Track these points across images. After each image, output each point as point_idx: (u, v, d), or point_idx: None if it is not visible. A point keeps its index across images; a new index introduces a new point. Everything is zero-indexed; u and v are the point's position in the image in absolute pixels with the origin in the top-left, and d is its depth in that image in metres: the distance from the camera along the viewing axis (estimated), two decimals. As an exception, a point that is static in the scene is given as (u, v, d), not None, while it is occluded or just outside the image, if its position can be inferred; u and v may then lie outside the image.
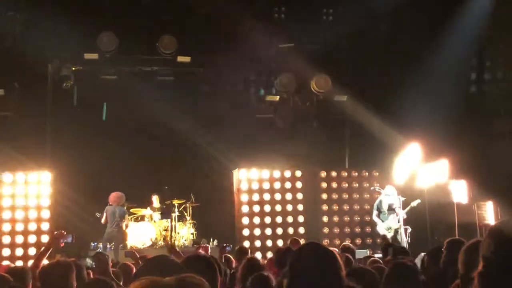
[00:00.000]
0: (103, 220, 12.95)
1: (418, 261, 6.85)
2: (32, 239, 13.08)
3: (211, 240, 14.02)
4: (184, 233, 14.24)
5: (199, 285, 1.93)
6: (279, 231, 14.15)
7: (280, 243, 13.80)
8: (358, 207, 14.71)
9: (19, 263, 12.10)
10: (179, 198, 14.33)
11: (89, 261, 5.66)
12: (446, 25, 14.62)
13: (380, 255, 9.30)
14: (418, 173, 13.61)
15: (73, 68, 14.15)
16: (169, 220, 13.94)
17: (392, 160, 14.11)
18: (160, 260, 3.38)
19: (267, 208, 14.22)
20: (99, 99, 13.53)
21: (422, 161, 13.62)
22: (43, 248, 5.75)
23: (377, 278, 4.32)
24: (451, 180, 13.32)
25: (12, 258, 12.59)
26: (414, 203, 12.95)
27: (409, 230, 12.84)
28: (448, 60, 14.43)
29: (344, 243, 10.36)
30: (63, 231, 5.67)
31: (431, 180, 13.40)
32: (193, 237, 14.36)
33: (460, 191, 13.24)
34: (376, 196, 13.73)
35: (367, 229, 14.47)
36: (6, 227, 13.04)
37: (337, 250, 7.46)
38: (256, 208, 14.17)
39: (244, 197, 14.17)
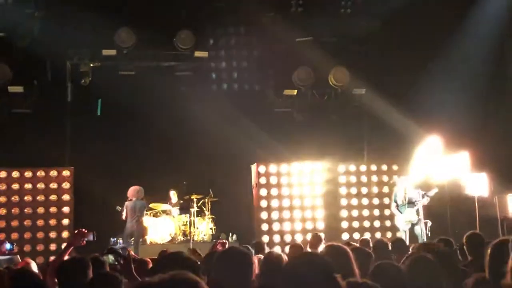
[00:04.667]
0: (123, 216, 13.01)
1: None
2: (52, 234, 13.24)
3: (230, 235, 14.04)
4: (203, 228, 14.27)
5: (192, 283, 1.87)
6: (298, 225, 14.14)
7: (299, 237, 13.80)
8: (378, 201, 14.64)
9: (40, 258, 12.24)
10: (197, 193, 14.36)
11: (111, 257, 5.62)
12: (468, 15, 14.41)
13: None
14: (438, 166, 13.48)
15: (92, 65, 14.23)
16: (188, 215, 13.96)
17: (411, 153, 13.97)
18: (176, 256, 3.38)
19: (286, 202, 14.21)
20: (117, 95, 13.56)
21: (442, 153, 13.49)
22: (64, 246, 5.75)
23: (402, 273, 4.19)
24: (472, 173, 13.18)
25: (33, 253, 12.71)
26: (431, 192, 12.79)
27: (429, 224, 12.68)
28: (469, 51, 14.24)
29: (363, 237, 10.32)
30: (84, 229, 5.64)
31: (451, 173, 13.27)
32: (212, 232, 14.39)
33: (480, 184, 13.09)
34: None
35: (387, 223, 14.40)
36: (28, 223, 13.20)
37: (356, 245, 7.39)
38: (275, 203, 14.17)
39: (263, 192, 14.17)
